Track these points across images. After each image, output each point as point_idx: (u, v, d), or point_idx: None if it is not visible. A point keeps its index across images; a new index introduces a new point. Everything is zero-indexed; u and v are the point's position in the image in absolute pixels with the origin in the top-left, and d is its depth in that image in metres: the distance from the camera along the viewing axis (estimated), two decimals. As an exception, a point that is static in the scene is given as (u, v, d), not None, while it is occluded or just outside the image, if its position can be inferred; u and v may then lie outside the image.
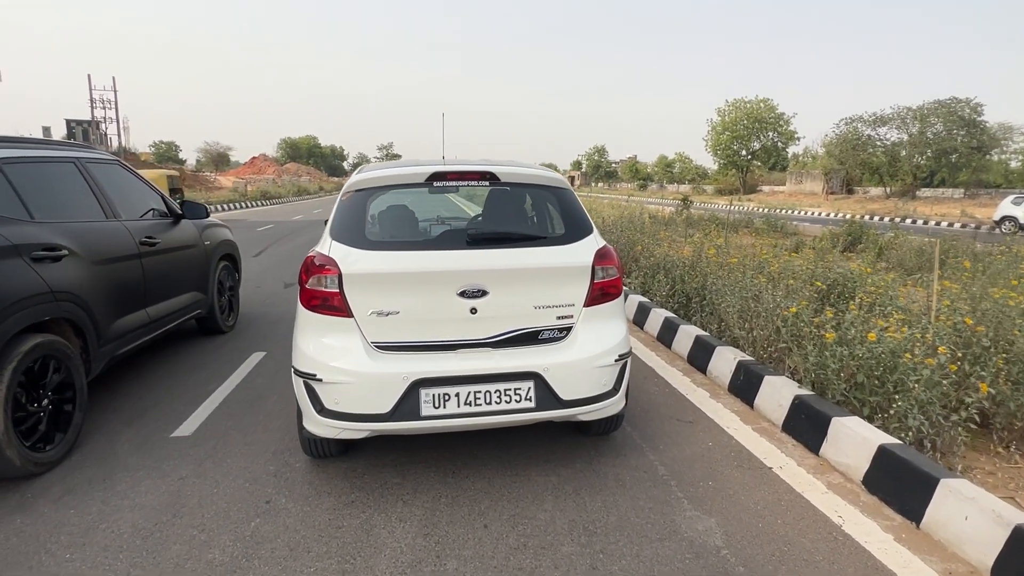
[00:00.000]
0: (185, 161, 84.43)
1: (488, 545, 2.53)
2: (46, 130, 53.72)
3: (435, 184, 3.05)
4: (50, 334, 3.19)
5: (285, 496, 2.91)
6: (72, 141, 4.27)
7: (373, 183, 3.07)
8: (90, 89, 53.61)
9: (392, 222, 3.33)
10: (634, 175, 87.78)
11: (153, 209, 4.84)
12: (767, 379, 3.89)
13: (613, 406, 3.03)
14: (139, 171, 5.06)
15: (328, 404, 2.76)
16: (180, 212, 5.08)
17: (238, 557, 2.44)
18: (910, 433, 3.10)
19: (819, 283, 4.67)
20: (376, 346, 2.80)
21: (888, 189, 41.96)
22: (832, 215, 31.74)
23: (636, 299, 6.52)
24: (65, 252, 3.37)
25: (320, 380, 2.74)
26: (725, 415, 3.89)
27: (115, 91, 54.73)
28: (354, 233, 2.90)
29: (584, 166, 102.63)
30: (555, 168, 3.50)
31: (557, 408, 2.85)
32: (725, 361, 4.40)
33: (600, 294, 3.02)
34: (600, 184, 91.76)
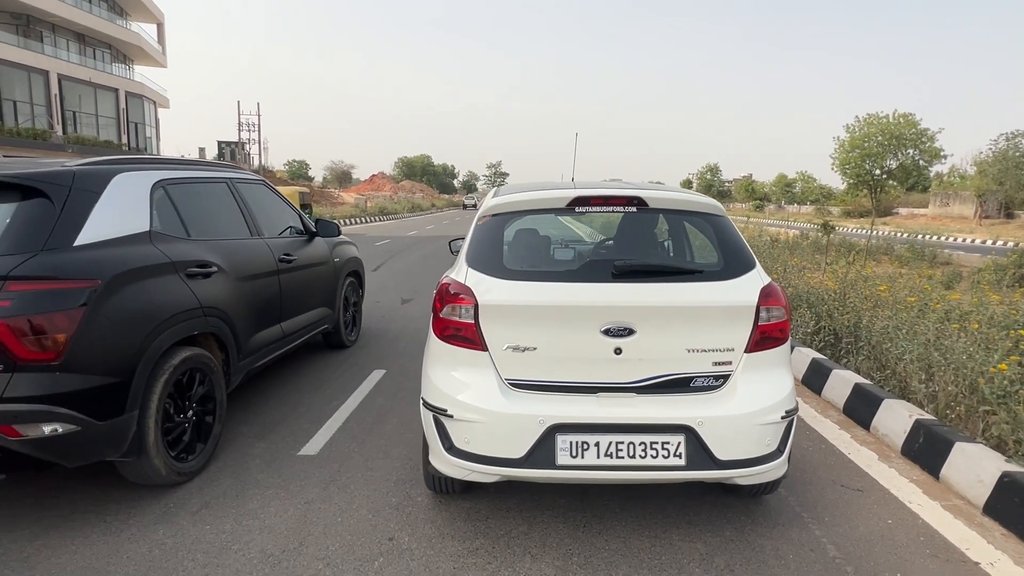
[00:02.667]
0: (313, 178, 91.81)
1: (631, 625, 2.20)
2: (201, 151, 60.64)
3: (577, 209, 2.82)
4: (197, 347, 3.31)
5: (408, 534, 2.76)
6: (224, 162, 4.52)
7: (512, 207, 2.89)
8: (238, 114, 59.99)
9: (527, 249, 3.14)
10: (749, 195, 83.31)
11: (291, 227, 5.04)
12: (959, 446, 3.23)
13: (775, 470, 2.60)
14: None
15: (458, 443, 2.58)
16: (314, 230, 5.26)
17: (362, 602, 2.31)
18: None
19: (1022, 331, 3.87)
20: (511, 384, 2.59)
21: (1061, 214, 36.38)
22: (990, 242, 27.95)
23: (773, 334, 5.88)
24: (215, 269, 3.52)
25: (451, 416, 2.57)
26: (902, 485, 3.28)
27: (259, 116, 60.75)
28: (491, 260, 2.72)
29: (695, 185, 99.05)
30: (662, 185, 3.21)
31: (711, 468, 2.48)
32: (897, 418, 3.75)
33: (764, 339, 2.61)
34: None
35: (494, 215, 2.90)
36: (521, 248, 3.08)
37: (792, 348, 5.43)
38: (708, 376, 2.58)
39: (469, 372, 2.62)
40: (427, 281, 10.69)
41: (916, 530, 2.85)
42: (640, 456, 2.47)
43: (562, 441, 2.48)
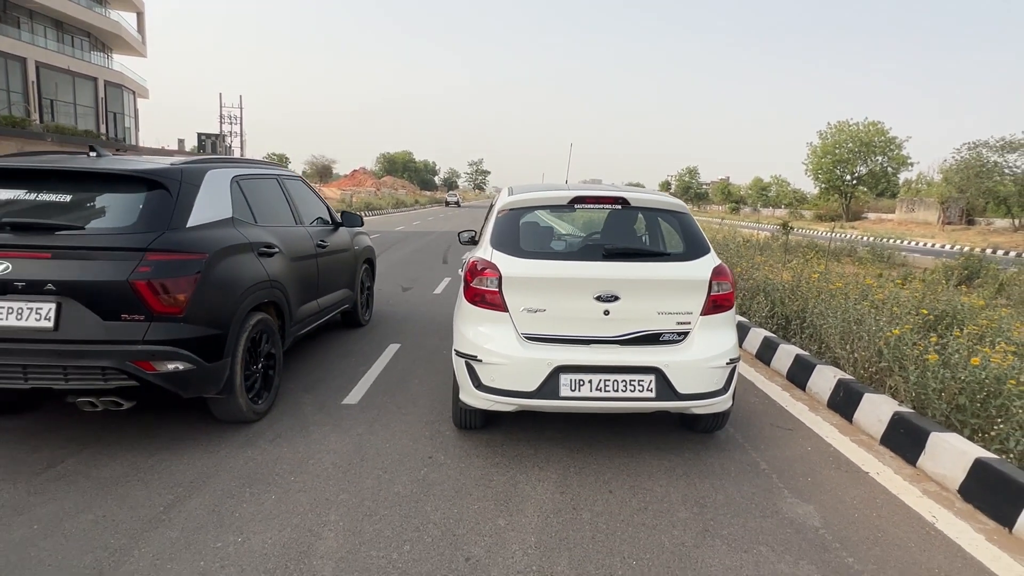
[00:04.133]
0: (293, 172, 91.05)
1: (615, 505, 3.06)
2: (180, 142, 60.05)
3: (576, 207, 3.66)
4: (264, 313, 4.07)
5: (443, 454, 3.58)
6: (270, 161, 5.24)
7: (525, 203, 3.72)
8: (220, 106, 59.67)
9: (536, 235, 3.97)
10: (726, 197, 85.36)
11: (319, 217, 5.79)
12: (867, 396, 4.15)
13: (722, 403, 3.48)
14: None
15: (485, 380, 3.40)
16: (339, 221, 6.01)
17: (417, 493, 3.12)
18: (1011, 455, 3.31)
19: (925, 311, 4.84)
20: (525, 337, 3.42)
21: (1017, 221, 38.43)
22: (948, 247, 29.59)
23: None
24: (277, 250, 4.28)
25: (480, 361, 3.39)
26: (824, 426, 4.20)
27: (240, 108, 60.45)
28: (511, 244, 3.55)
29: (673, 187, 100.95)
30: (641, 187, 4.15)
31: (674, 400, 3.34)
32: (825, 379, 4.68)
33: (715, 305, 3.49)
34: (690, 206, 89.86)
35: (511, 209, 3.72)
36: (531, 235, 3.90)
37: (748, 329, 6.36)
38: (673, 332, 3.44)
39: (493, 328, 3.44)
40: (422, 272, 11.45)
41: (828, 454, 3.76)
42: (622, 390, 3.33)
43: (564, 379, 3.32)
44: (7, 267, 3.03)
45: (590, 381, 3.33)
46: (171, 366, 3.22)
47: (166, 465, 3.32)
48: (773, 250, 15.34)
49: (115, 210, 3.36)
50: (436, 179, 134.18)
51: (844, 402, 4.37)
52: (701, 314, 3.46)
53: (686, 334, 3.45)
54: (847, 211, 54.19)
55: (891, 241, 30.36)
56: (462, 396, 3.57)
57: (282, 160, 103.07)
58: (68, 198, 3.32)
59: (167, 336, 3.20)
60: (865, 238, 29.53)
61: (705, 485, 3.30)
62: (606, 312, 3.38)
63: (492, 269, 3.44)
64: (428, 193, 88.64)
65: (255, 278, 3.88)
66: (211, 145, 59.28)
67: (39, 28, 37.85)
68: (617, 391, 3.33)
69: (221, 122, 61.10)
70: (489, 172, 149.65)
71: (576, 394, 3.32)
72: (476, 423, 3.83)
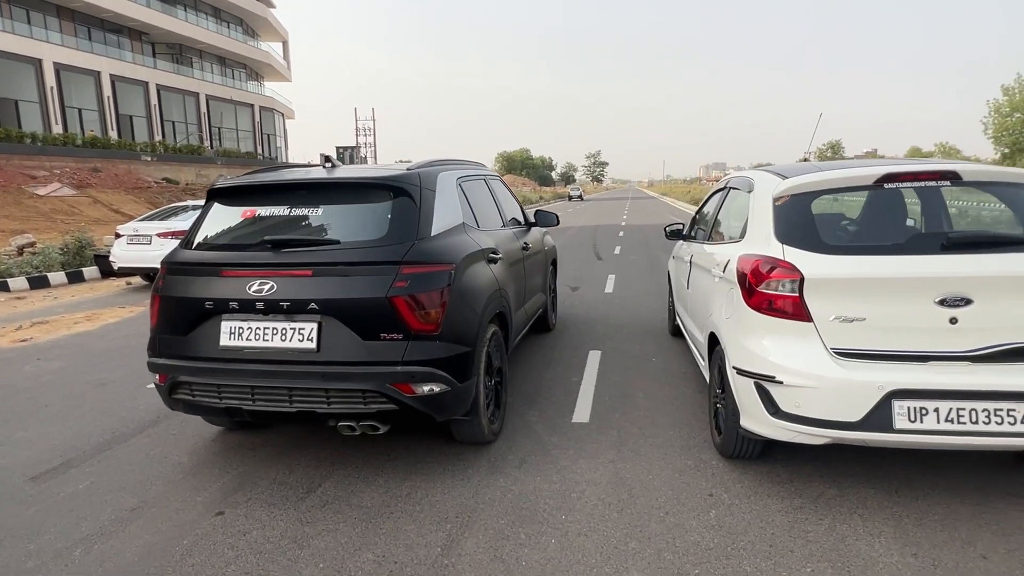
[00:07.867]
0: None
1: (1003, 578, 2.30)
2: (322, 156, 65.15)
3: (886, 186, 2.91)
4: (495, 325, 3.74)
5: (724, 491, 3.00)
6: (475, 161, 4.96)
7: (815, 186, 3.03)
8: (355, 120, 63.77)
9: (830, 226, 3.25)
10: (878, 172, 76.42)
11: (513, 218, 5.46)
12: None
13: None
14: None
15: (785, 407, 2.77)
16: (532, 221, 5.66)
17: (720, 543, 2.57)
18: None
19: None
20: (836, 352, 2.74)
21: None
22: None
23: None
24: (500, 256, 3.95)
25: (779, 382, 2.77)
26: None
27: (374, 121, 64.32)
28: (807, 237, 2.88)
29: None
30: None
31: (1065, 436, 2.49)
32: None
33: None
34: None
35: (795, 195, 3.05)
36: (827, 225, 3.19)
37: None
38: (1057, 346, 2.58)
39: (792, 341, 2.80)
40: (581, 269, 11.00)
41: None
42: (984, 422, 2.53)
43: (899, 406, 2.60)
44: (272, 287, 2.92)
45: (936, 410, 2.57)
46: (427, 388, 2.96)
47: (422, 494, 3.07)
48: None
49: (364, 221, 3.17)
50: (553, 174, 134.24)
51: None
52: (1102, 321, 2.56)
53: (1079, 349, 2.57)
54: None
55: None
56: (746, 423, 2.97)
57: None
58: (319, 211, 3.19)
59: (424, 356, 2.94)
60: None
61: (1120, 554, 2.42)
62: (952, 320, 2.61)
63: (787, 270, 2.80)
64: (548, 189, 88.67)
65: (490, 288, 3.57)
66: (348, 157, 63.68)
67: (207, 65, 42.78)
68: (977, 423, 2.54)
69: (356, 135, 65.31)
70: (607, 163, 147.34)
71: (918, 427, 2.58)
72: (753, 453, 3.21)
